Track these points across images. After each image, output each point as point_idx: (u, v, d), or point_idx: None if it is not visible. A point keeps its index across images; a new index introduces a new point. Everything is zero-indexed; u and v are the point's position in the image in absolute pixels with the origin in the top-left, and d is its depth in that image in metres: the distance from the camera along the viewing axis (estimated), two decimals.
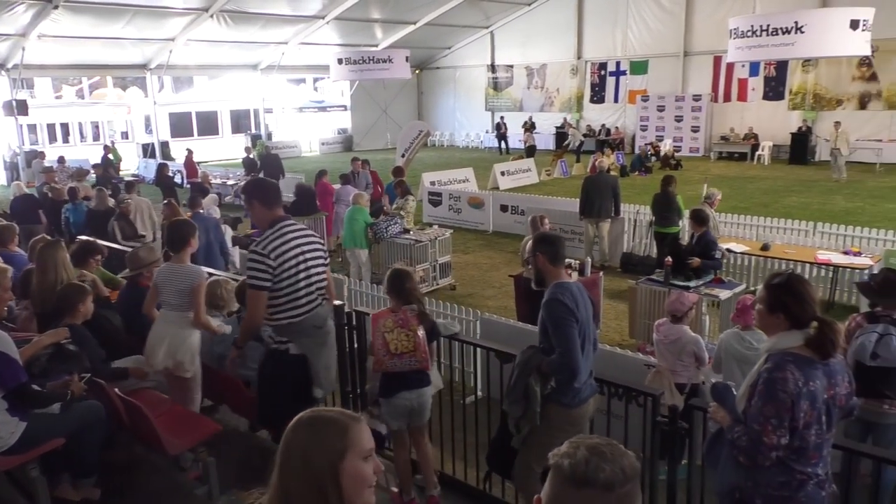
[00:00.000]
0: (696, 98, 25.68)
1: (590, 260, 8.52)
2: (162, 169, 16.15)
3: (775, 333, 2.83)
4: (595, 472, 1.37)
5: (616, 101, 28.41)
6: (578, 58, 29.04)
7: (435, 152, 29.62)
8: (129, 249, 6.41)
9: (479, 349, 5.23)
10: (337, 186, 12.68)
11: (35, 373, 4.16)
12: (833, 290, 8.91)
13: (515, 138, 28.28)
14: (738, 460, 2.82)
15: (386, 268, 4.62)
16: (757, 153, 23.57)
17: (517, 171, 20.12)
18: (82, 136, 29.75)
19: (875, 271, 6.63)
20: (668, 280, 7.44)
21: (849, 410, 2.93)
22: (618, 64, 27.99)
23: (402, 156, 17.95)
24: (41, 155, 20.56)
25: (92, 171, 17.94)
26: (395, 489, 4.47)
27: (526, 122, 27.90)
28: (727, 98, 25.36)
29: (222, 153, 28.75)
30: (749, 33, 14.52)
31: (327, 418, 1.71)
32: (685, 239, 9.34)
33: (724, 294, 7.27)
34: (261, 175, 17.32)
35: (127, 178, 16.20)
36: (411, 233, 10.38)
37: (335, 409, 1.80)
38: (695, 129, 25.76)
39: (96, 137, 29.46)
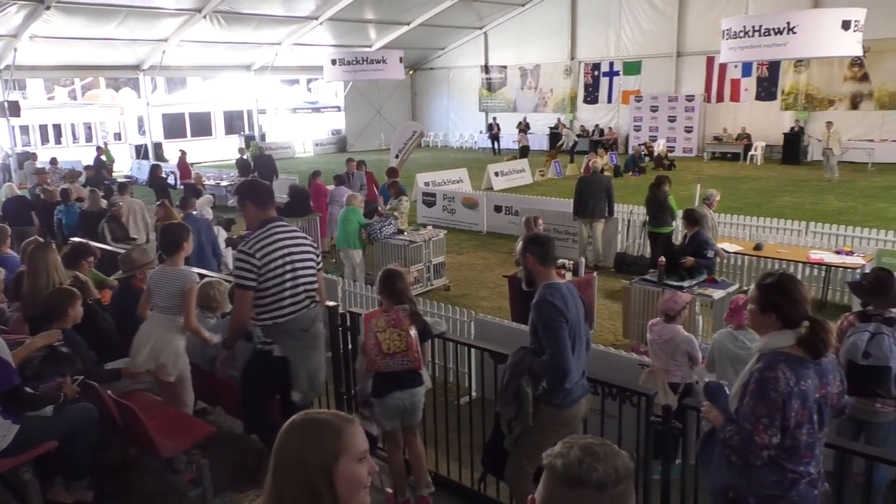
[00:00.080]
0: (689, 98, 25.77)
1: (584, 260, 8.53)
2: (155, 170, 16.10)
3: (767, 333, 2.84)
4: (588, 472, 1.37)
5: (609, 101, 28.48)
6: (572, 58, 29.09)
7: (429, 153, 29.63)
8: (122, 251, 6.39)
9: (473, 350, 5.24)
10: (331, 187, 12.66)
11: (28, 375, 4.15)
12: (825, 289, 8.95)
13: (509, 139, 28.33)
14: (730, 459, 2.83)
15: (380, 269, 4.61)
16: (750, 153, 23.68)
17: (511, 171, 20.14)
18: (75, 138, 29.64)
19: (867, 270, 6.66)
20: (662, 280, 7.46)
21: (841, 409, 2.94)
22: (611, 64, 28.06)
23: (396, 156, 17.95)
24: (33, 156, 20.51)
25: (84, 173, 17.85)
26: (389, 490, 4.47)
27: (520, 123, 27.94)
28: (720, 98, 25.47)
29: (216, 154, 28.67)
30: (741, 34, 14.57)
31: (320, 421, 1.71)
32: (679, 239, 9.38)
33: (717, 294, 7.30)
34: (254, 176, 17.33)
35: (120, 180, 16.14)
36: (405, 233, 10.38)
37: (329, 411, 1.80)
38: (688, 130, 25.85)
39: (89, 139, 29.36)
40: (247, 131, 30.65)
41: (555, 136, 27.78)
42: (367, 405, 4.54)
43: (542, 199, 14.31)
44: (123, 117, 30.40)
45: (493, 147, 28.89)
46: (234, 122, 32.17)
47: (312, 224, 12.12)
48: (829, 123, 19.26)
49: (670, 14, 25.76)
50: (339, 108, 33.53)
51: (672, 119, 26.07)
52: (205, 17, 22.05)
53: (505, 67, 31.54)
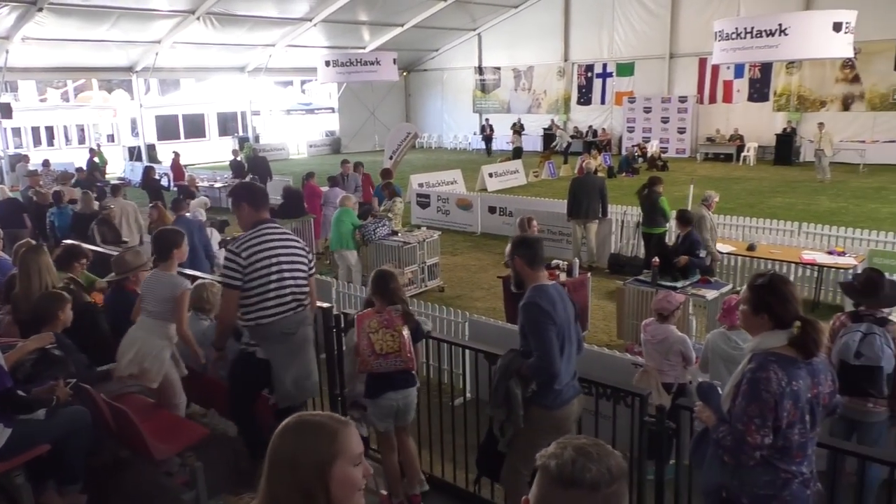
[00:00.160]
0: (682, 99, 25.86)
1: (577, 261, 8.54)
2: (148, 172, 16.07)
3: (759, 333, 2.85)
4: (581, 473, 1.38)
5: (603, 102, 28.56)
6: (565, 60, 29.16)
7: (423, 154, 29.63)
8: (113, 253, 6.36)
9: (467, 351, 5.24)
10: (325, 189, 12.65)
11: (20, 378, 4.13)
12: (818, 289, 8.99)
13: (503, 140, 28.36)
14: (723, 460, 2.84)
15: (374, 270, 4.61)
16: (742, 154, 23.76)
17: (505, 172, 20.16)
18: (67, 140, 29.50)
19: (859, 271, 6.70)
20: (656, 280, 7.49)
21: (832, 408, 2.96)
22: (604, 66, 28.13)
23: (391, 158, 17.94)
24: (25, 158, 20.39)
25: (76, 175, 17.77)
26: (384, 492, 4.46)
27: (515, 124, 27.98)
28: (713, 100, 25.58)
29: (209, 156, 28.61)
30: (734, 35, 14.65)
31: (316, 423, 1.70)
32: (672, 240, 9.41)
33: (710, 294, 7.33)
34: (248, 178, 17.31)
35: (113, 182, 16.09)
36: (399, 235, 10.38)
37: (324, 413, 1.79)
38: (681, 131, 25.94)
39: (81, 140, 29.21)
40: (240, 133, 30.57)
41: (548, 137, 27.83)
42: (356, 406, 4.55)
43: (535, 200, 14.33)
44: (116, 119, 30.28)
45: (487, 148, 28.92)
46: (227, 124, 32.08)
47: (306, 225, 12.10)
48: (821, 124, 19.36)
49: (663, 16, 25.85)
50: (332, 110, 33.49)
51: (665, 120, 26.15)
52: (198, 18, 22.01)
53: (499, 69, 31.58)
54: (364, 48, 28.22)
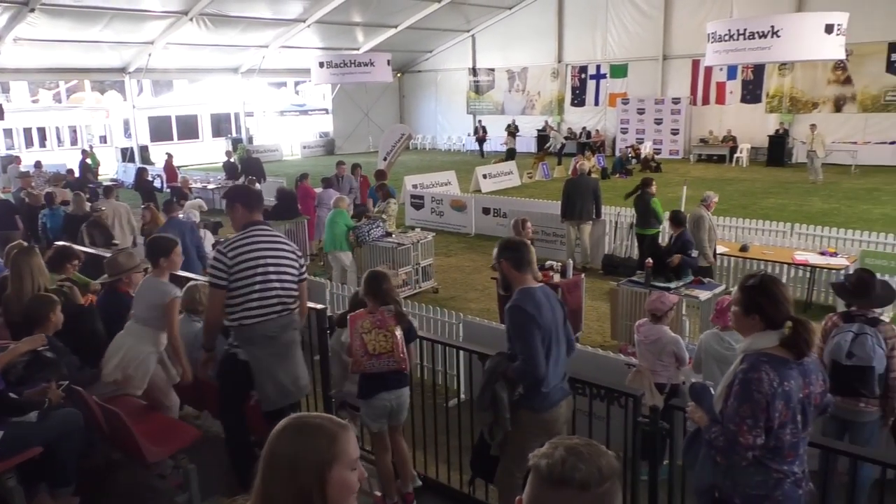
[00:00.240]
0: (676, 101, 25.94)
1: (571, 262, 8.55)
2: (141, 173, 15.97)
3: (751, 334, 2.87)
4: (571, 472, 1.38)
5: (596, 104, 28.63)
6: (559, 61, 29.22)
7: (417, 155, 29.63)
8: (105, 255, 6.33)
9: (461, 352, 5.24)
10: (319, 190, 12.63)
11: (12, 380, 4.11)
12: (810, 290, 9.03)
13: (497, 142, 28.37)
14: (715, 460, 2.85)
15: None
16: (735, 155, 23.86)
17: (499, 174, 20.19)
18: (60, 141, 29.38)
19: (851, 272, 6.73)
20: (649, 281, 7.51)
21: (823, 408, 2.97)
22: (598, 67, 28.21)
23: (385, 159, 17.94)
24: (17, 160, 20.28)
25: (67, 177, 17.70)
26: (378, 493, 4.46)
27: (509, 125, 28.01)
28: (706, 101, 25.68)
29: (202, 157, 28.51)
30: (726, 37, 14.72)
31: (315, 425, 1.69)
32: (665, 241, 9.43)
33: (703, 295, 7.35)
34: (242, 179, 17.28)
35: (105, 183, 16.03)
36: (393, 236, 10.37)
37: (322, 415, 1.78)
38: (674, 132, 26.02)
39: (74, 142, 29.09)
40: (234, 134, 30.50)
41: (542, 138, 27.88)
42: (345, 407, 4.56)
43: (529, 202, 14.35)
44: (109, 120, 30.17)
45: (480, 150, 28.92)
46: (221, 125, 32.01)
47: (300, 227, 12.08)
48: (814, 126, 19.45)
49: (656, 17, 25.94)
50: (326, 111, 33.45)
51: (658, 121, 26.24)
52: (191, 19, 21.95)
53: (492, 70, 31.61)
54: (358, 49, 28.22)
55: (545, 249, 11.43)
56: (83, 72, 26.22)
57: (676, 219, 8.18)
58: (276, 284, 4.20)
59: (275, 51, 27.16)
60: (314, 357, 5.19)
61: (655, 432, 3.59)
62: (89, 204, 10.86)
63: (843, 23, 13.84)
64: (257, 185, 14.33)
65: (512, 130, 27.24)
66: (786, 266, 9.08)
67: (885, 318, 4.65)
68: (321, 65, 21.71)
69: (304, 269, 4.45)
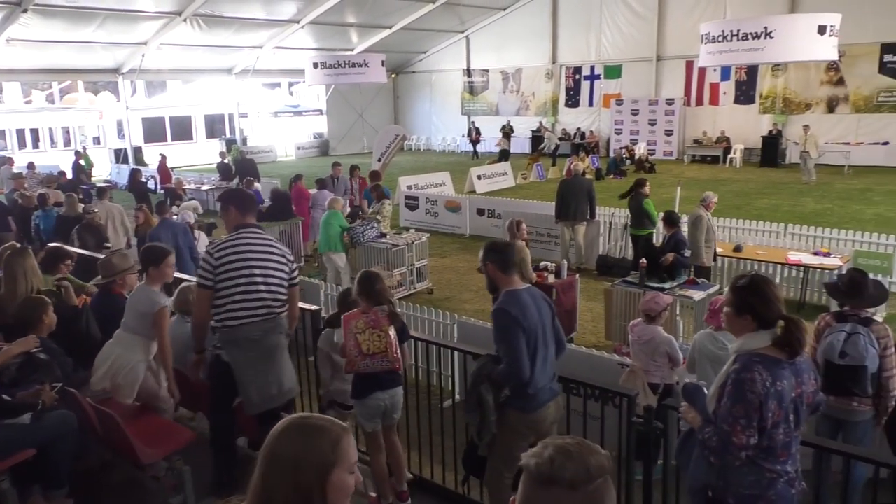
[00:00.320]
0: (670, 102, 26.01)
1: (566, 263, 8.58)
2: (135, 174, 15.93)
3: (743, 335, 2.88)
4: (559, 471, 1.38)
5: (591, 104, 28.67)
6: (553, 62, 29.26)
7: (411, 156, 29.63)
8: (98, 257, 6.31)
9: (456, 353, 5.24)
10: (313, 191, 12.62)
11: (5, 382, 4.09)
12: (804, 290, 9.07)
13: (492, 143, 28.37)
14: (709, 460, 2.86)
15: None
16: (729, 156, 23.93)
17: (493, 174, 20.21)
18: (53, 142, 29.26)
19: (843, 272, 6.76)
20: (643, 282, 7.53)
21: (815, 407, 2.99)
22: (592, 68, 28.26)
23: (379, 160, 17.93)
24: (10, 161, 20.19)
25: (60, 178, 17.61)
26: (372, 494, 4.46)
27: (504, 126, 28.03)
28: (699, 102, 25.75)
29: (196, 158, 28.45)
30: (720, 38, 14.75)
31: (319, 427, 1.69)
32: (659, 241, 9.46)
33: (697, 295, 7.37)
34: (236, 180, 17.25)
35: (99, 185, 15.97)
36: (388, 237, 10.37)
37: (323, 416, 1.77)
38: (668, 133, 26.09)
39: (67, 143, 28.98)
40: (228, 135, 30.43)
41: (537, 139, 27.90)
42: (333, 406, 4.57)
43: (524, 202, 14.37)
44: (102, 121, 30.04)
45: (474, 151, 28.91)
46: (215, 126, 31.92)
47: (294, 228, 12.07)
48: (807, 127, 19.53)
49: (650, 18, 26.00)
50: (321, 112, 33.41)
51: (652, 122, 26.30)
52: (185, 20, 21.89)
53: (487, 71, 31.63)
54: (352, 50, 28.18)
55: (540, 250, 11.45)
56: (76, 72, 26.13)
57: (670, 219, 8.21)
58: (262, 287, 4.19)
59: (269, 51, 27.12)
60: (309, 358, 5.18)
61: (650, 432, 3.60)
62: (82, 206, 10.81)
63: (835, 24, 13.89)
64: (256, 184, 14.27)
65: (507, 131, 27.26)
66: (779, 266, 9.11)
67: (878, 317, 4.67)
68: (315, 65, 21.67)
69: (295, 273, 4.42)
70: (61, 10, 19.49)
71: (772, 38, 13.92)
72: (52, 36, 20.95)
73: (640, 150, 24.26)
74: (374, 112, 33.15)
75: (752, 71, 23.98)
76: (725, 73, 24.46)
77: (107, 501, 4.43)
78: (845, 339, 4.18)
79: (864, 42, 21.12)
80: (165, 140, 29.80)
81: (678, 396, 4.67)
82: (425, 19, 27.50)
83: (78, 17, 20.26)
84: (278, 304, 4.29)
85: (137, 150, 27.20)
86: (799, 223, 11.06)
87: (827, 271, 8.56)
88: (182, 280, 5.70)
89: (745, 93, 24.69)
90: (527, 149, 28.16)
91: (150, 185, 18.62)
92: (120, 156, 27.01)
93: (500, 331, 3.64)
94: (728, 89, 24.96)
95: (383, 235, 10.33)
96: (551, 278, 7.76)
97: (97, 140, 30.01)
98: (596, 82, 28.25)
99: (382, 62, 21.92)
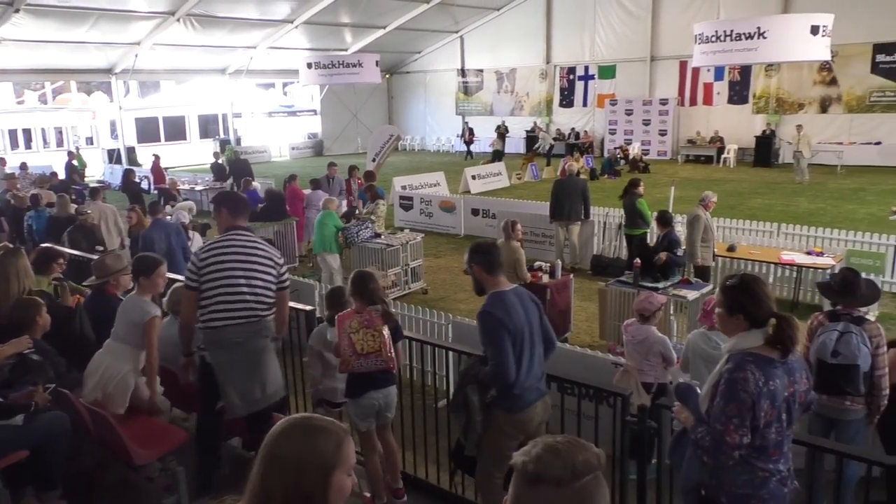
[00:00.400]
0: (663, 102, 26.07)
1: (560, 262, 8.59)
2: (128, 175, 15.85)
3: (735, 334, 2.89)
4: (545, 469, 1.38)
5: (585, 105, 28.73)
6: (547, 62, 29.30)
7: (406, 156, 29.62)
8: (91, 258, 6.28)
9: (450, 353, 5.24)
10: (307, 191, 12.61)
11: None
12: (797, 289, 9.10)
13: (486, 143, 28.37)
14: (702, 459, 2.87)
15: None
16: (723, 156, 24.01)
17: (488, 174, 20.22)
18: (45, 143, 29.12)
19: (836, 271, 6.79)
20: (638, 282, 7.54)
21: (807, 405, 3.00)
22: (586, 68, 28.31)
23: (373, 160, 17.92)
24: (2, 161, 20.08)
25: (52, 179, 17.51)
26: (367, 494, 4.46)
27: (499, 126, 28.04)
28: (693, 102, 25.83)
29: (190, 159, 28.35)
30: (714, 38, 14.81)
31: (322, 427, 1.68)
32: (653, 241, 9.47)
33: (691, 295, 7.39)
34: (230, 180, 17.22)
35: (92, 185, 15.89)
36: (382, 237, 10.36)
37: (324, 417, 1.76)
38: (662, 133, 26.15)
39: (60, 143, 28.83)
40: (222, 135, 30.35)
41: (531, 139, 27.93)
42: (321, 405, 4.58)
43: (518, 202, 14.38)
44: (95, 121, 29.93)
45: (468, 151, 28.89)
46: (208, 126, 31.85)
47: (289, 228, 12.05)
48: (800, 127, 19.60)
49: (644, 18, 26.06)
50: (315, 112, 33.36)
51: (646, 122, 26.36)
52: (178, 20, 21.82)
53: (481, 71, 31.65)
54: (346, 50, 28.15)
55: (534, 250, 11.46)
56: (69, 72, 26.03)
57: (664, 218, 8.23)
58: (245, 290, 4.16)
59: (262, 52, 27.07)
60: (304, 359, 5.18)
61: (643, 431, 3.61)
62: (74, 206, 10.76)
63: (828, 24, 13.96)
64: (255, 184, 14.22)
65: (502, 132, 27.28)
66: (772, 266, 9.14)
67: (871, 316, 4.69)
68: (309, 66, 21.65)
69: (284, 277, 4.38)
70: (54, 9, 19.40)
71: (765, 38, 13.99)
72: (44, 36, 20.86)
73: (635, 150, 24.33)
74: (368, 112, 33.14)
75: (745, 71, 24.07)
76: (719, 73, 24.55)
77: (100, 502, 4.42)
78: (838, 337, 4.20)
79: (856, 42, 21.22)
80: (159, 140, 29.71)
81: (672, 396, 4.69)
82: (419, 19, 27.50)
83: (70, 17, 20.17)
84: (263, 308, 4.24)
85: (131, 151, 27.11)
86: (792, 223, 11.09)
87: (820, 271, 8.59)
88: (175, 280, 5.68)
89: (738, 93, 24.78)
90: (521, 149, 28.17)
91: (144, 185, 18.54)
92: (113, 156, 26.92)
93: (485, 333, 3.66)
94: (722, 89, 25.05)
95: (378, 236, 10.33)
96: (546, 278, 7.77)
97: (90, 140, 29.89)
98: (590, 82, 28.31)
99: (377, 62, 21.92)
